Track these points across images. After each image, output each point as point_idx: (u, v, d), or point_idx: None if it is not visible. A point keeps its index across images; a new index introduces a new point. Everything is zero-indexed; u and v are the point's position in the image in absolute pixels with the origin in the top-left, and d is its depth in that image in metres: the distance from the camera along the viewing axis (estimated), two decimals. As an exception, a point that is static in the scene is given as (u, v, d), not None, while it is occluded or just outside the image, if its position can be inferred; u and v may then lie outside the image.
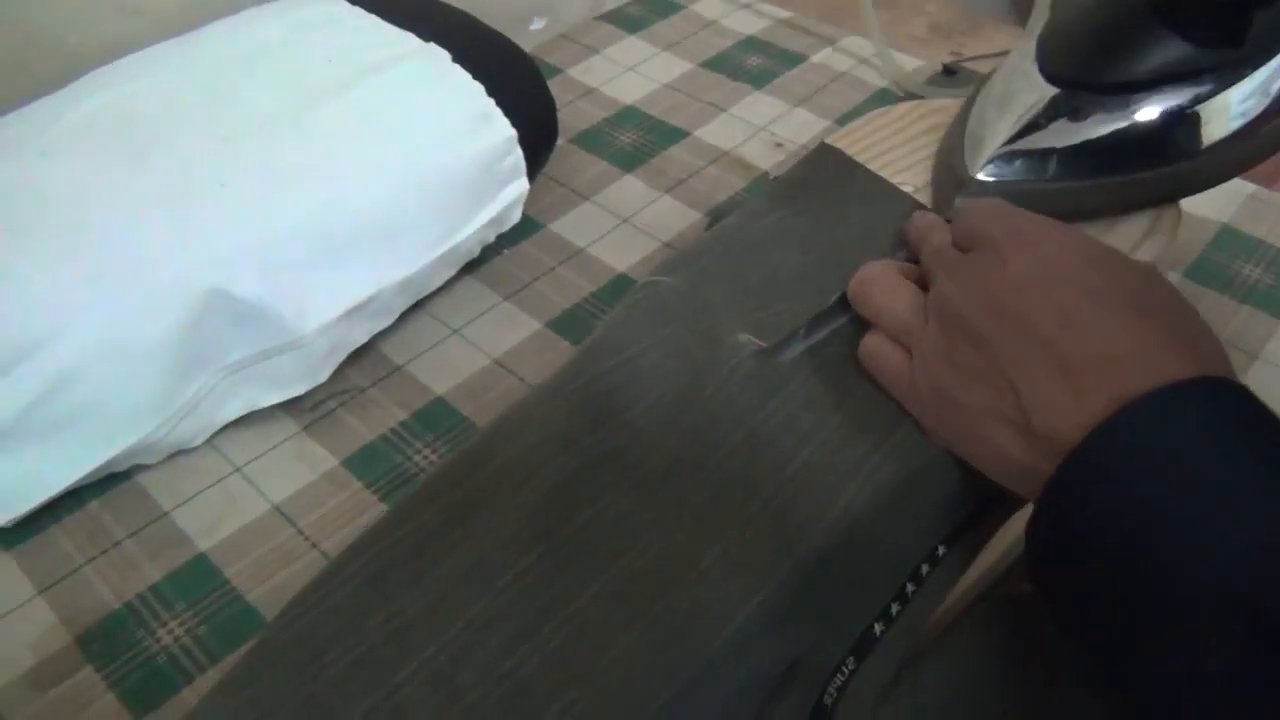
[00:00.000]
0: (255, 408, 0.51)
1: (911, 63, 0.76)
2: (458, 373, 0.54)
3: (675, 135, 0.69)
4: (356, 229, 0.51)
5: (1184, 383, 0.30)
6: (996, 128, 0.43)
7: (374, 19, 0.59)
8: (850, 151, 0.44)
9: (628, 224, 0.63)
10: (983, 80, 0.47)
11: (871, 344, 0.39)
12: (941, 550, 0.37)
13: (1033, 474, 0.32)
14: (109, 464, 0.47)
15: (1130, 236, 0.41)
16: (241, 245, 0.48)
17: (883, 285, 0.40)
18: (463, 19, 0.62)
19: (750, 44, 0.78)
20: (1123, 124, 0.41)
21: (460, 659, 0.29)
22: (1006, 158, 0.42)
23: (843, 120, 0.70)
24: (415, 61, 0.56)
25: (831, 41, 0.78)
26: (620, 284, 0.58)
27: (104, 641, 0.43)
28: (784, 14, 0.81)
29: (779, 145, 0.68)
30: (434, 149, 0.54)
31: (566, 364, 0.37)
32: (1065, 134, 0.42)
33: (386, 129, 0.53)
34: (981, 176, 0.42)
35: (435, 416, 0.52)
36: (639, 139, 0.69)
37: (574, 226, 0.62)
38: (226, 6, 0.61)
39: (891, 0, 0.85)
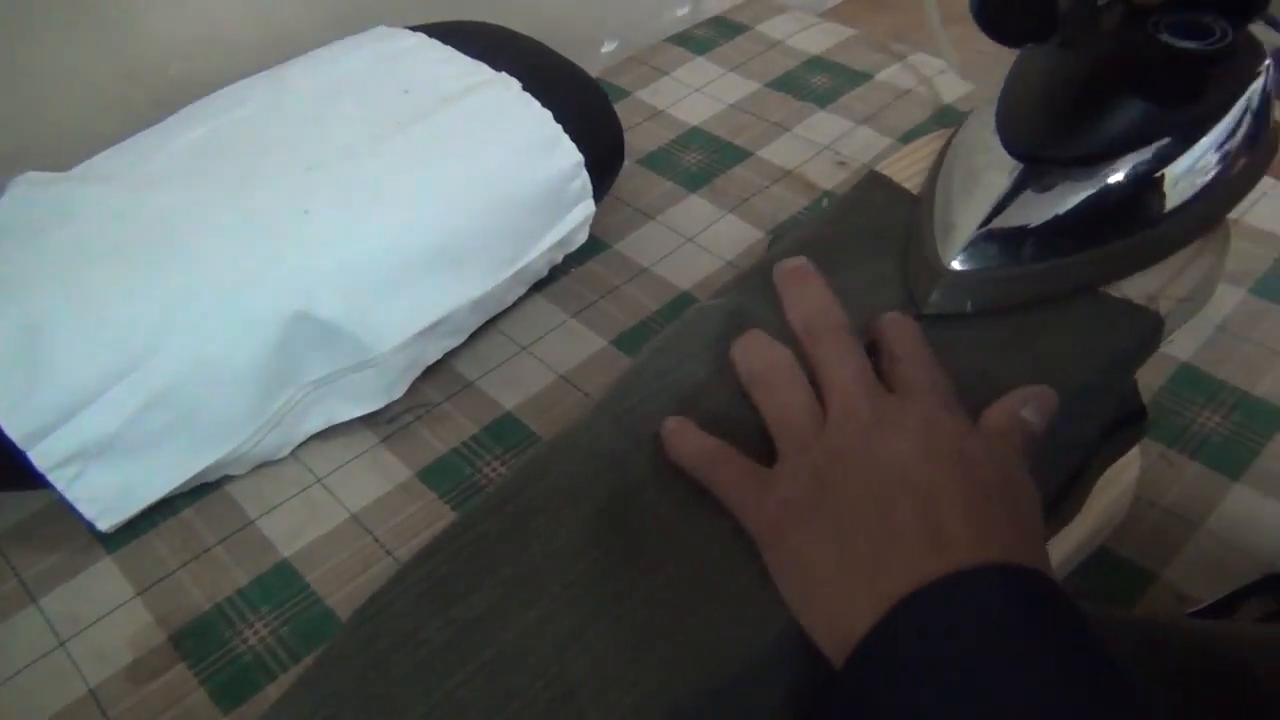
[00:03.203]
0: (335, 421, 0.54)
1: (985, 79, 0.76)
2: (526, 388, 0.56)
3: (739, 155, 0.71)
4: (431, 252, 0.53)
5: (975, 569, 0.30)
6: (965, 210, 0.41)
7: (450, 50, 0.62)
8: (900, 178, 0.45)
9: (692, 243, 0.64)
10: (943, 151, 0.46)
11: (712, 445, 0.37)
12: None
13: (841, 638, 0.31)
14: (201, 474, 0.51)
15: (1176, 262, 0.41)
16: (324, 270, 0.51)
17: (779, 380, 0.38)
18: (534, 48, 0.65)
19: (815, 63, 0.79)
20: (1097, 195, 0.40)
21: (514, 662, 0.31)
22: (980, 243, 0.40)
23: (906, 138, 0.71)
24: (487, 91, 0.59)
25: (897, 59, 0.78)
26: (684, 302, 0.60)
27: (196, 640, 0.46)
28: (850, 32, 0.82)
29: (842, 164, 0.69)
30: (505, 174, 0.56)
31: (617, 384, 0.39)
32: (1039, 212, 0.40)
33: (460, 156, 0.56)
34: (956, 266, 0.40)
35: (505, 430, 0.54)
36: (704, 159, 0.71)
37: (639, 246, 0.64)
38: (311, 40, 0.64)
39: (962, 15, 0.86)
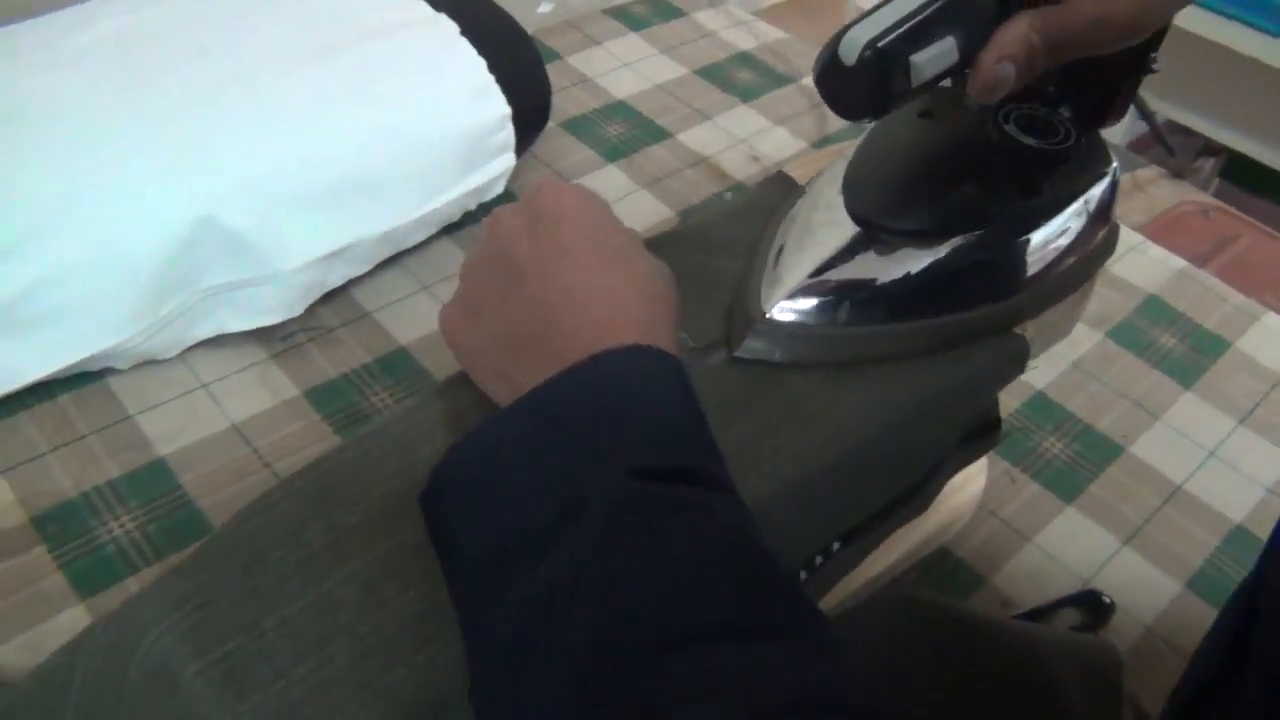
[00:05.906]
0: (226, 330, 0.54)
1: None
2: (422, 326, 0.57)
3: (660, 135, 0.72)
4: (345, 178, 0.54)
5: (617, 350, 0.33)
6: (794, 263, 0.41)
7: (390, -19, 0.62)
8: (806, 180, 0.47)
9: (603, 211, 0.66)
10: (789, 205, 0.45)
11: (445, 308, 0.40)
12: (836, 546, 0.41)
13: None
14: (81, 364, 0.50)
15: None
16: (236, 178, 0.51)
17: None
18: (475, -6, 0.65)
19: (744, 59, 0.81)
20: (922, 272, 0.40)
21: (389, 573, 0.33)
22: (802, 296, 0.40)
23: (820, 144, 0.74)
24: (423, 29, 0.59)
25: (821, 68, 0.81)
26: (587, 266, 0.62)
27: (58, 525, 0.46)
28: (780, 34, 0.85)
29: (755, 159, 0.72)
30: (429, 114, 0.57)
31: None
32: (863, 276, 0.40)
33: (385, 89, 0.56)
34: (774, 315, 0.40)
35: (396, 364, 0.55)
36: (625, 133, 0.72)
37: (552, 206, 0.66)
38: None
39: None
